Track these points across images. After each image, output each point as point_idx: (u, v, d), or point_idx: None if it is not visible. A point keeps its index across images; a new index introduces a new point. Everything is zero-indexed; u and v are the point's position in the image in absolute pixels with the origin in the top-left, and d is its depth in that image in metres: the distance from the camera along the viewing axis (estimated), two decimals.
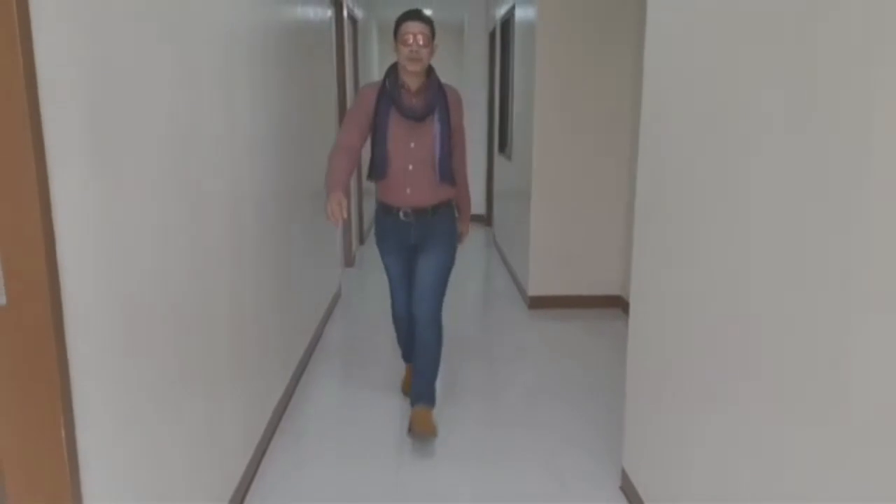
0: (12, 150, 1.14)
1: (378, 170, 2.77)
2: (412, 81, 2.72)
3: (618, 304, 4.64)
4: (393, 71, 2.77)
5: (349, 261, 5.89)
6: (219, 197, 2.16)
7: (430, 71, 2.77)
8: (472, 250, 6.78)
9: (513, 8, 5.55)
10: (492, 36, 7.31)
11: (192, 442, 1.93)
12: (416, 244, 2.88)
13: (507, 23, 6.05)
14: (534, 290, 4.73)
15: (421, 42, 2.64)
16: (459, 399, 3.27)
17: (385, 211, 2.88)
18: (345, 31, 5.63)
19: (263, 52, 2.79)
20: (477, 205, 8.10)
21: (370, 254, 5.95)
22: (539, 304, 4.72)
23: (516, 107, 5.51)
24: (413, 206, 2.80)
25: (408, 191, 2.77)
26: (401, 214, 2.81)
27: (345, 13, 5.58)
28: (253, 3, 2.65)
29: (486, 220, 8.16)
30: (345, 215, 2.46)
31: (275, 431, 2.87)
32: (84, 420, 1.32)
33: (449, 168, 2.79)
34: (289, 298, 3.24)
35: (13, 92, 1.13)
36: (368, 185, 5.95)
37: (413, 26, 2.65)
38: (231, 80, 2.31)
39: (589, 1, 4.36)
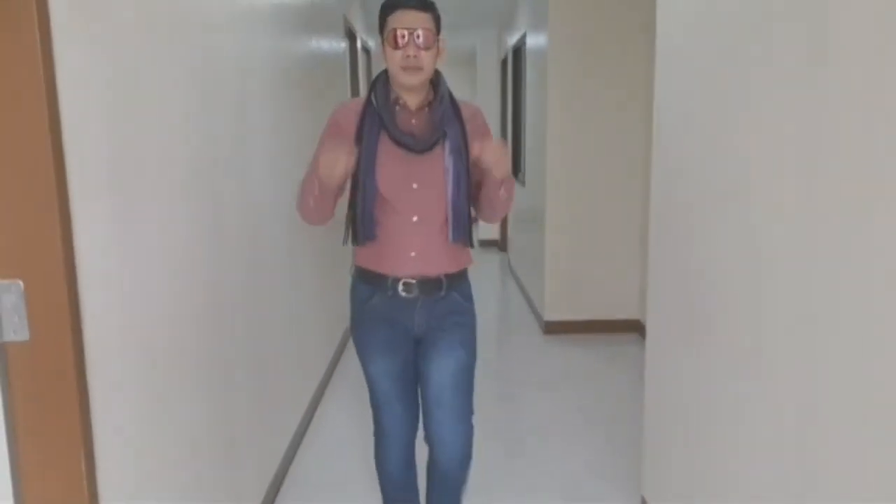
0: (36, 190, 1.18)
1: (364, 227, 1.80)
2: (411, 97, 1.81)
3: (635, 328, 4.61)
4: (382, 80, 1.82)
5: None
6: (237, 229, 2.19)
7: (437, 81, 1.83)
8: (487, 276, 6.78)
9: (524, 36, 5.62)
10: (504, 63, 7.39)
11: (210, 479, 1.93)
12: (420, 336, 1.90)
13: (518, 50, 6.12)
14: (550, 316, 4.72)
15: (420, 41, 1.70)
16: (475, 427, 3.24)
17: (373, 284, 1.86)
18: (359, 61, 5.73)
19: (280, 84, 2.84)
20: (491, 230, 8.13)
21: None
22: (555, 329, 4.70)
23: (529, 132, 5.55)
24: (420, 276, 1.83)
25: (413, 254, 1.82)
26: (400, 289, 1.82)
27: (358, 44, 5.68)
28: (270, 36, 2.71)
29: (500, 245, 8.17)
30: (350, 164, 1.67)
31: (293, 459, 2.87)
32: (104, 455, 1.33)
33: (466, 221, 1.83)
34: (306, 326, 3.26)
35: (37, 132, 1.16)
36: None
37: (406, 18, 1.70)
38: (248, 112, 2.36)
39: (600, 28, 4.41)
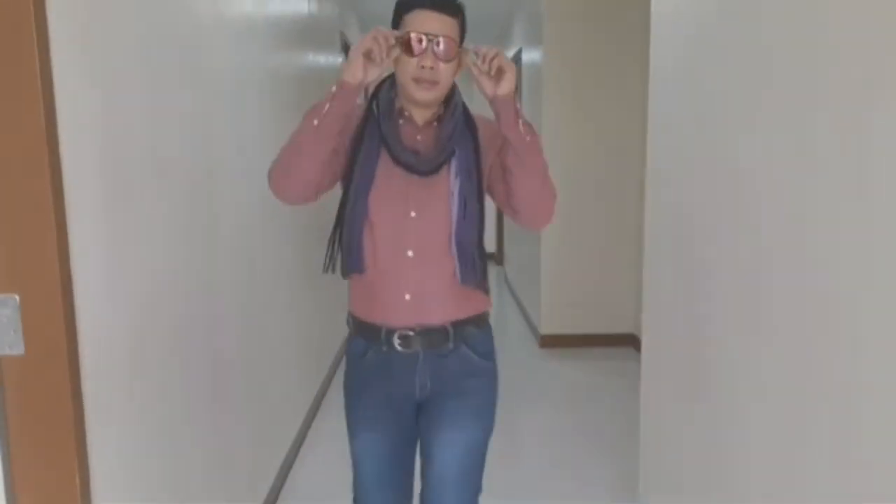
0: (32, 204, 1.18)
1: (351, 256, 1.51)
2: (418, 111, 1.54)
3: (630, 342, 4.61)
4: (387, 87, 1.54)
5: None
6: (233, 244, 2.19)
7: (451, 93, 1.54)
8: None
9: (520, 52, 5.66)
10: None
11: (205, 493, 1.92)
12: (423, 401, 1.59)
13: None
14: (546, 329, 4.73)
15: (440, 50, 1.41)
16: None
17: (364, 336, 1.57)
18: None
19: (277, 98, 2.86)
20: (487, 243, 8.12)
21: None
22: (551, 342, 4.70)
23: None
24: (419, 325, 1.52)
25: (407, 297, 1.51)
26: (395, 342, 1.52)
27: None
28: (267, 50, 2.72)
29: (497, 258, 8.18)
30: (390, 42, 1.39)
31: (289, 472, 2.85)
32: (98, 469, 1.32)
33: (476, 257, 1.52)
34: (303, 338, 3.25)
35: (34, 146, 1.17)
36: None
37: (428, 21, 1.42)
38: (246, 128, 2.37)
39: (595, 44, 4.46)
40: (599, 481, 2.80)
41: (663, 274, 2.21)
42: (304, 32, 3.49)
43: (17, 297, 1.19)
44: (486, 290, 1.57)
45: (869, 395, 1.19)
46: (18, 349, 1.20)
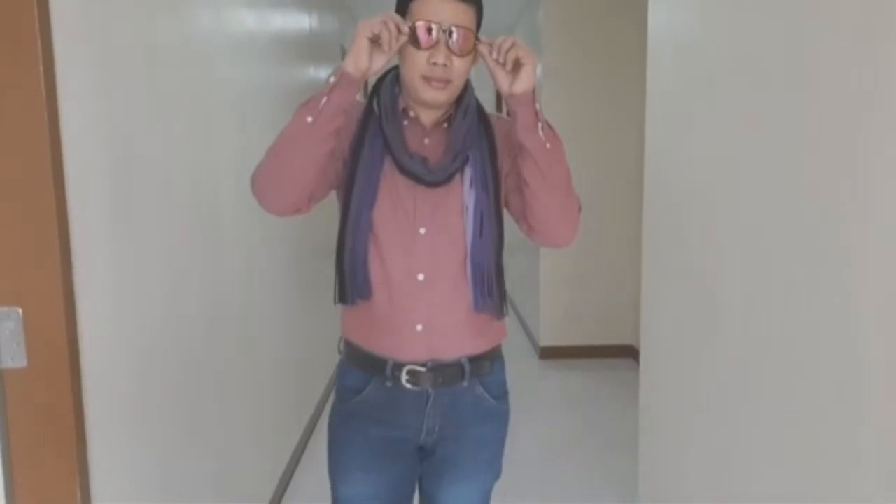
0: (36, 217, 1.19)
1: (355, 279, 1.31)
2: (426, 112, 1.32)
3: (630, 353, 4.62)
4: (389, 83, 1.33)
5: None
6: (235, 258, 2.20)
7: (463, 91, 1.33)
8: None
9: None
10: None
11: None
12: (429, 447, 1.41)
13: None
14: (545, 341, 4.73)
15: (454, 42, 1.21)
16: None
17: (366, 370, 1.36)
18: None
19: (279, 113, 2.88)
20: None
21: None
22: (551, 354, 4.71)
23: None
24: (432, 360, 1.33)
25: (419, 327, 1.32)
26: (403, 378, 1.32)
27: None
28: (269, 65, 2.75)
29: None
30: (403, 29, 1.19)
31: (287, 485, 2.85)
32: (100, 483, 1.33)
33: (494, 280, 1.34)
34: (300, 359, 3.26)
35: (38, 159, 1.18)
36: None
37: (441, 8, 1.21)
38: (248, 141, 2.38)
39: (593, 56, 4.49)
40: (599, 488, 2.81)
41: (662, 285, 2.22)
42: (305, 48, 3.52)
43: (19, 311, 1.20)
44: (503, 315, 1.39)
45: (870, 399, 1.20)
46: (21, 362, 1.21)
